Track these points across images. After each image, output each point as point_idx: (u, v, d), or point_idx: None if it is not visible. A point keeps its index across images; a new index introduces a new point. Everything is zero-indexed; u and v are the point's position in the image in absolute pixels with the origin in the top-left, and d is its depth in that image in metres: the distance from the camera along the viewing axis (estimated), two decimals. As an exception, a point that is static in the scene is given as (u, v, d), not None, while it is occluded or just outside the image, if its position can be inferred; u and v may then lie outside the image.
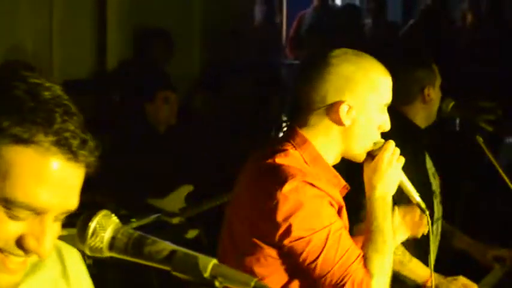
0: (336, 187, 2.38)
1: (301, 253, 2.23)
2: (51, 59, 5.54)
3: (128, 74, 5.77)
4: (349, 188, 2.42)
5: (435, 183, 3.61)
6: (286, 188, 2.19)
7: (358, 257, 2.28)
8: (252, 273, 2.26)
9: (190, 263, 1.34)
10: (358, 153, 2.36)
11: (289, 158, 2.29)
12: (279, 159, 2.28)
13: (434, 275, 3.32)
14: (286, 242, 2.22)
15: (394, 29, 7.87)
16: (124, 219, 1.59)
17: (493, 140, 4.89)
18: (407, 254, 3.32)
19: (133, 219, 4.08)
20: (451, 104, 3.68)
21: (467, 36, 7.24)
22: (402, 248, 3.32)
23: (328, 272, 2.23)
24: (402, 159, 2.42)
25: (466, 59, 6.86)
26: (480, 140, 3.63)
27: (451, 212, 3.91)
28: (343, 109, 2.29)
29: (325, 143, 2.33)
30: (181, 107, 5.30)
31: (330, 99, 2.29)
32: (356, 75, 2.30)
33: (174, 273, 1.35)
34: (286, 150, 2.31)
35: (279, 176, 2.22)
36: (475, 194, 5.08)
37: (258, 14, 7.62)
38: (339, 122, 2.30)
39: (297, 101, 2.37)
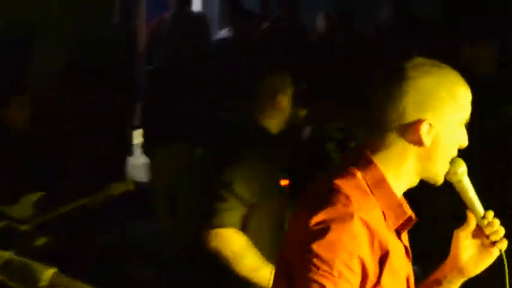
0: (398, 218, 2.05)
1: (300, 275, 1.93)
2: None
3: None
4: (416, 219, 2.08)
5: (287, 189, 3.65)
6: (326, 215, 1.91)
7: None
8: None
9: (26, 272, 1.30)
10: (436, 176, 2.07)
11: (348, 180, 2.00)
12: (337, 180, 1.99)
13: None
14: (294, 263, 1.95)
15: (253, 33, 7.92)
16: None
17: (345, 147, 5.00)
18: (261, 260, 3.35)
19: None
20: (303, 112, 3.74)
21: (321, 45, 7.39)
22: (256, 254, 3.35)
23: None
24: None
25: (321, 68, 6.99)
26: (330, 147, 3.70)
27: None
28: (423, 128, 2.00)
29: (398, 166, 2.04)
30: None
31: (410, 117, 2.00)
32: (438, 90, 2.02)
33: (10, 283, 1.30)
34: (348, 171, 2.02)
35: (326, 200, 1.95)
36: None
37: (116, 17, 7.52)
38: (418, 143, 2.01)
39: (369, 121, 2.07)
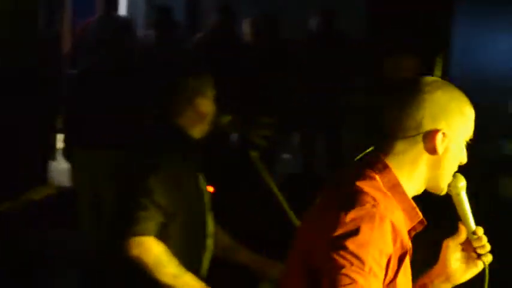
0: (411, 220, 2.22)
1: (327, 272, 2.03)
2: None
3: None
4: (426, 223, 2.25)
5: (208, 199, 3.61)
6: (356, 214, 2.04)
7: None
8: None
9: None
10: (441, 185, 2.25)
11: (369, 182, 2.15)
12: (359, 182, 2.14)
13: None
14: (325, 258, 2.04)
15: (178, 41, 7.91)
16: None
17: (270, 155, 5.02)
18: (181, 268, 3.34)
19: None
20: (228, 119, 3.72)
21: (249, 52, 7.42)
22: (176, 262, 3.33)
23: None
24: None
25: (250, 74, 7.02)
26: (254, 155, 3.70)
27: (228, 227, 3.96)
28: (439, 137, 2.17)
29: (410, 172, 2.21)
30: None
31: (426, 127, 2.18)
32: (451, 104, 2.20)
33: None
34: (367, 174, 2.17)
35: (353, 201, 2.08)
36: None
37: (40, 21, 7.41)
38: (432, 151, 2.19)
39: (383, 128, 2.23)
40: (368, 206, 2.06)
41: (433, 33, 5.44)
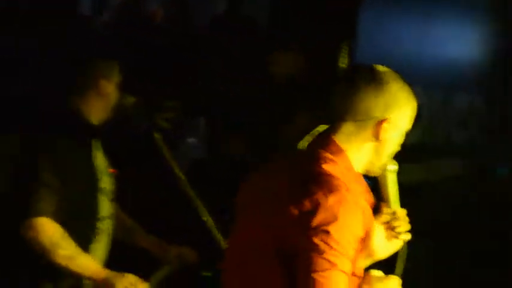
0: (368, 201, 2.31)
1: (305, 255, 2.10)
2: None
3: None
4: (375, 205, 2.37)
5: (106, 180, 3.57)
6: (332, 200, 2.11)
7: None
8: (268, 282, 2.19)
9: None
10: (377, 169, 2.35)
11: (334, 166, 2.23)
12: (327, 166, 2.22)
13: (103, 271, 3.32)
14: (302, 244, 2.11)
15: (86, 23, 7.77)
16: None
17: (174, 138, 4.97)
18: (77, 249, 3.29)
19: None
20: (132, 101, 3.68)
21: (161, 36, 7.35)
22: (72, 243, 3.28)
23: None
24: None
25: (158, 59, 6.96)
26: (157, 137, 3.67)
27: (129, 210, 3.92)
28: (385, 126, 2.27)
29: (357, 154, 2.30)
30: None
31: (377, 114, 2.27)
32: (401, 95, 2.30)
33: None
34: (328, 158, 2.24)
35: (327, 186, 2.14)
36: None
37: None
38: (376, 137, 2.29)
39: (334, 111, 2.31)
40: (343, 190, 2.14)
41: (339, 20, 5.48)
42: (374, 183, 2.42)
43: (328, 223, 2.09)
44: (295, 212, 2.14)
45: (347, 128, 2.29)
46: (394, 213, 2.41)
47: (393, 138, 2.32)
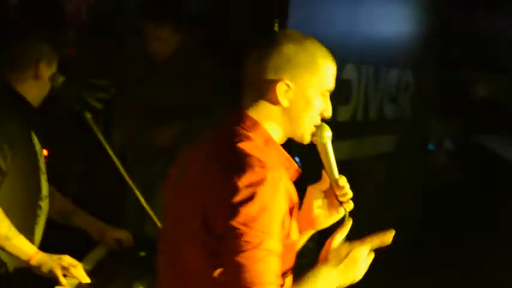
0: (289, 170, 2.24)
1: (228, 241, 2.05)
2: None
3: None
4: (301, 171, 2.29)
5: (42, 160, 3.54)
6: (250, 179, 2.04)
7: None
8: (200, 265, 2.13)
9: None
10: (302, 136, 2.28)
11: (250, 143, 2.15)
12: (241, 144, 2.13)
13: (38, 253, 3.29)
14: (225, 226, 2.05)
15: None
16: None
17: (106, 117, 4.92)
18: (13, 229, 3.24)
19: None
20: (61, 80, 3.63)
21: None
22: (8, 223, 3.23)
23: (237, 274, 2.03)
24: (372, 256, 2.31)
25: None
26: (88, 116, 3.63)
27: (63, 190, 3.89)
28: (280, 88, 2.19)
29: (270, 123, 2.23)
30: None
31: (269, 77, 2.20)
32: (299, 56, 2.22)
33: None
34: (244, 134, 2.17)
35: (244, 166, 2.07)
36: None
37: None
38: (276, 102, 2.21)
39: (241, 81, 2.25)
40: (258, 169, 2.07)
41: (269, 1, 5.47)
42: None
43: (245, 204, 2.03)
44: (214, 195, 2.09)
45: (252, 97, 2.24)
46: (335, 180, 2.37)
47: (301, 101, 2.24)
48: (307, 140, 2.30)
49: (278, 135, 2.27)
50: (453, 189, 8.94)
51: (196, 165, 2.21)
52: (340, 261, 2.23)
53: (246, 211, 2.03)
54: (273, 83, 2.20)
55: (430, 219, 7.96)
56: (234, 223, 2.03)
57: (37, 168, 3.48)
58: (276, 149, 2.24)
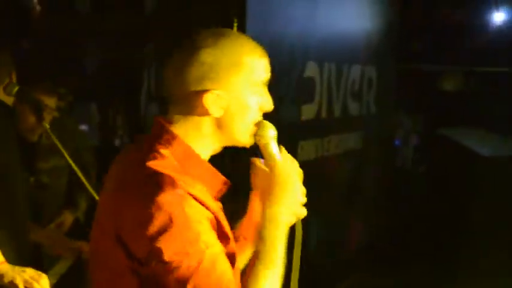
0: (214, 187, 2.07)
1: (169, 277, 1.87)
2: None
3: None
4: (230, 184, 2.11)
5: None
6: (160, 200, 1.85)
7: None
8: None
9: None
10: (242, 140, 2.10)
11: (161, 161, 1.95)
12: (151, 163, 1.93)
13: (2, 264, 3.21)
14: (153, 262, 1.87)
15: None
16: None
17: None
18: None
19: None
20: (15, 89, 3.56)
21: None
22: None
23: None
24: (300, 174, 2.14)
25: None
26: (46, 126, 3.62)
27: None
28: (207, 99, 2.01)
29: (198, 137, 2.05)
30: None
31: (193, 88, 2.01)
32: (218, 60, 2.02)
33: None
34: (157, 151, 1.97)
35: (152, 185, 1.88)
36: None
37: None
38: (205, 113, 2.03)
39: (163, 93, 2.05)
40: (169, 189, 1.90)
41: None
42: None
43: (165, 231, 1.87)
44: (127, 222, 1.92)
45: (178, 110, 2.06)
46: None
47: (235, 105, 2.06)
48: (249, 141, 2.13)
49: (208, 147, 2.10)
50: (420, 182, 8.97)
51: (109, 185, 2.06)
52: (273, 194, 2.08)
53: (171, 237, 1.87)
54: (199, 94, 2.03)
55: (397, 214, 7.96)
56: (166, 258, 1.87)
57: (16, 167, 3.49)
58: (198, 164, 2.07)
